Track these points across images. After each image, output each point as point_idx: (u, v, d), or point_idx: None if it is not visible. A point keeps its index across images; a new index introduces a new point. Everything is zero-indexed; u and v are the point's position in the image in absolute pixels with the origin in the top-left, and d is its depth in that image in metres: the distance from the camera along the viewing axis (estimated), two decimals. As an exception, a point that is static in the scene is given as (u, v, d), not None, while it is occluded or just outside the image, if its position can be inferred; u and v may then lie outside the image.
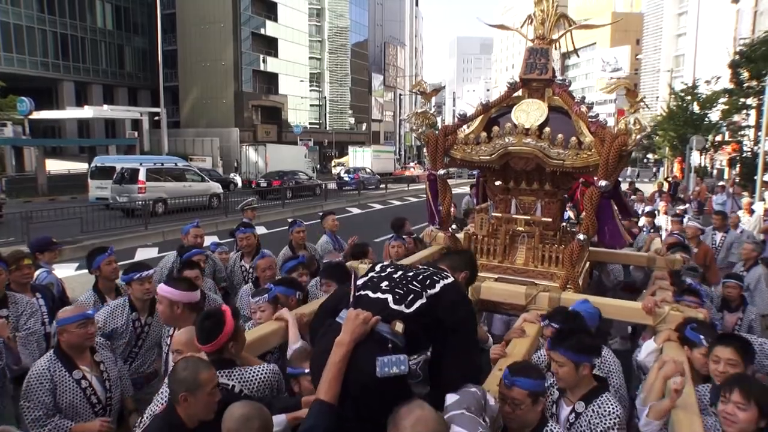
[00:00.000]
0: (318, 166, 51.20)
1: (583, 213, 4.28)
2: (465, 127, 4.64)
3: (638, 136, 3.74)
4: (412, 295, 2.38)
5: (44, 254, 5.51)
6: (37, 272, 5.06)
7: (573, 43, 4.60)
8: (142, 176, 21.66)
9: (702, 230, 8.94)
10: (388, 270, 2.59)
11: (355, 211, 24.51)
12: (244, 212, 8.55)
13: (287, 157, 39.42)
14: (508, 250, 4.60)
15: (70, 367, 3.38)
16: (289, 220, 8.57)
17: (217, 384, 2.60)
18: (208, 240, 10.40)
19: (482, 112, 4.57)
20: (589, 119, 4.01)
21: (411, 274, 2.52)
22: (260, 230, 9.50)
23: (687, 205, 13.78)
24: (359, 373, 2.21)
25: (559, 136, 4.02)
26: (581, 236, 4.09)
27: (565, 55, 4.80)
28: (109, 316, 4.20)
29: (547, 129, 4.07)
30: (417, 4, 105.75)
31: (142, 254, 12.87)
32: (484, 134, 4.36)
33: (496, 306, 4.26)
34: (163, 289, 3.57)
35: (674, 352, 3.34)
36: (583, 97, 4.37)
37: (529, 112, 4.27)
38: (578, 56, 5.03)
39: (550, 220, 4.53)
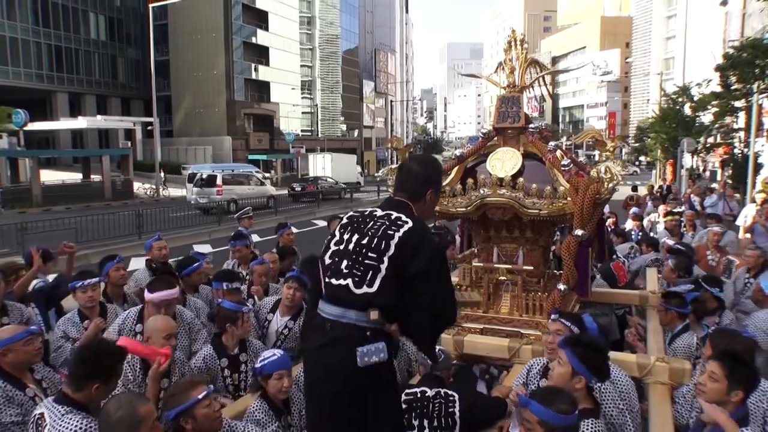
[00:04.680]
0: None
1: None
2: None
3: (611, 185, 3.82)
4: (370, 272, 2.34)
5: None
6: (34, 282, 5.10)
7: (548, 87, 4.73)
8: (219, 180, 25.15)
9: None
10: (345, 240, 2.49)
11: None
12: (240, 221, 8.57)
13: (344, 164, 41.57)
14: (493, 299, 4.55)
15: (20, 386, 3.13)
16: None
17: (157, 417, 2.41)
18: (205, 248, 10.38)
19: (457, 164, 4.61)
20: (562, 168, 4.06)
21: (365, 242, 2.41)
22: (254, 238, 9.52)
23: (682, 207, 13.65)
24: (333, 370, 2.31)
25: (533, 186, 4.05)
26: (561, 286, 4.08)
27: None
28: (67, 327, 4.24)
29: (521, 179, 4.10)
30: (407, 11, 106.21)
31: (136, 264, 12.85)
32: (459, 187, 4.36)
33: (482, 359, 4.22)
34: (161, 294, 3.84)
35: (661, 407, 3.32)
36: (557, 144, 4.46)
37: (505, 161, 4.27)
38: (552, 98, 5.03)
39: (532, 268, 4.47)
